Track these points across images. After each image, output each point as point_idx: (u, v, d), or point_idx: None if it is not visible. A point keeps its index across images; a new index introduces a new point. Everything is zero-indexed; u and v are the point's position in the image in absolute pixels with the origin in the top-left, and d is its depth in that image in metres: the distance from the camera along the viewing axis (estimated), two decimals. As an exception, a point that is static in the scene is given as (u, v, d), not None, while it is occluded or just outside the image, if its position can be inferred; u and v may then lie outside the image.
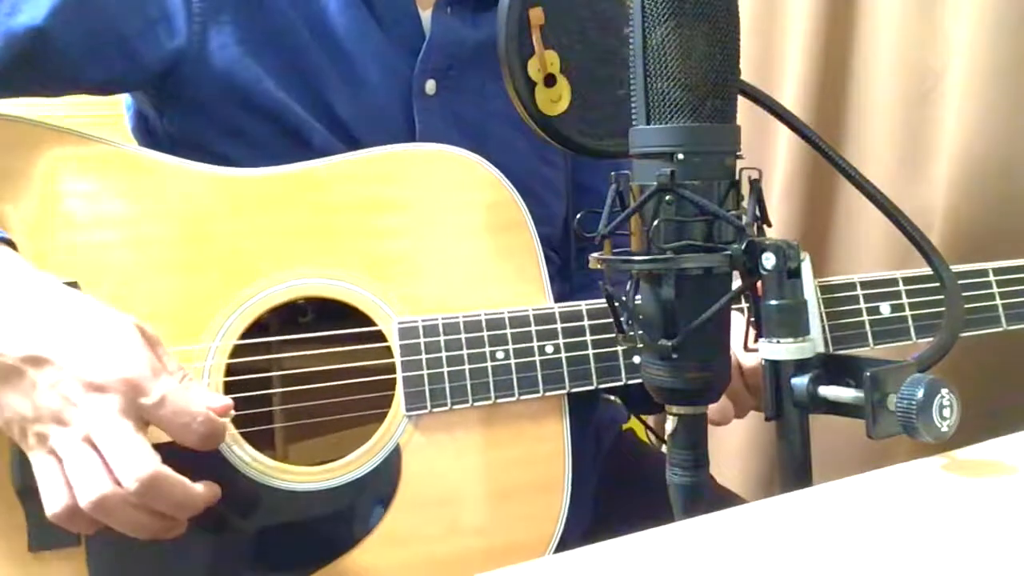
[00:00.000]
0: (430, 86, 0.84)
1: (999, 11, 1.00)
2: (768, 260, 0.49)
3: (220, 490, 0.66)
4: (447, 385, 0.73)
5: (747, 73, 0.53)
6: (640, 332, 0.52)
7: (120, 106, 0.89)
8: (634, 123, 0.51)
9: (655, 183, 0.49)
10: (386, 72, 0.83)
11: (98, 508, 0.59)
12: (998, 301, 0.82)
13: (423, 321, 0.74)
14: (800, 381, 0.49)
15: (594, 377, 0.76)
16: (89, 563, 0.68)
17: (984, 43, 1.01)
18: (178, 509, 0.63)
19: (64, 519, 0.61)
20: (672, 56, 0.49)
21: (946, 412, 0.46)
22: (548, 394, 0.75)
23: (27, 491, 0.67)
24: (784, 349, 0.49)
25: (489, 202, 0.78)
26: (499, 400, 0.74)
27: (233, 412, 0.67)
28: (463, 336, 0.74)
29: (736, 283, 0.52)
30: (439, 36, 0.84)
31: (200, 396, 0.64)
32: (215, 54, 0.77)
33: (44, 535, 0.67)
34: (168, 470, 0.61)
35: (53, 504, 0.60)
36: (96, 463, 0.59)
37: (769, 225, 0.53)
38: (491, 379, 0.74)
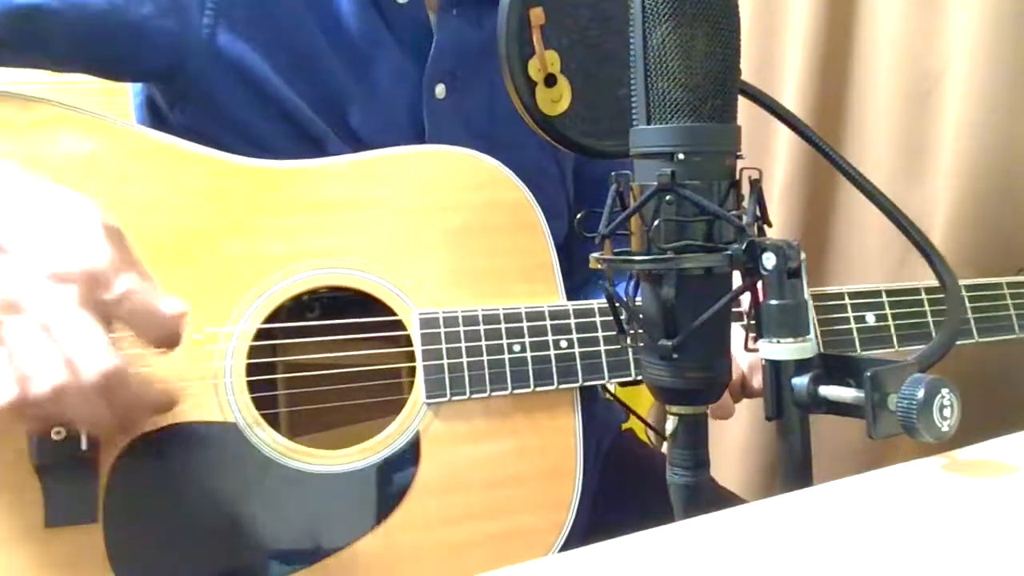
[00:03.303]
0: (440, 90, 0.84)
1: (999, 11, 1.00)
2: (768, 260, 0.49)
3: (179, 398, 0.65)
4: (466, 374, 0.75)
5: (747, 73, 0.52)
6: (640, 332, 0.52)
7: (125, 96, 0.89)
8: (634, 123, 0.51)
9: (655, 183, 0.49)
10: (396, 75, 0.83)
11: (54, 399, 0.57)
12: (1012, 311, 0.89)
13: (443, 312, 0.76)
14: (800, 381, 0.49)
15: (605, 372, 0.78)
16: (106, 539, 0.69)
17: (984, 43, 1.01)
18: (136, 407, 0.62)
19: (15, 413, 0.58)
20: (672, 56, 0.49)
21: (946, 412, 0.46)
22: (562, 387, 0.77)
23: (46, 467, 0.67)
24: (784, 349, 0.49)
25: (505, 203, 0.79)
26: (515, 391, 0.76)
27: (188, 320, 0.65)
28: (482, 328, 0.76)
29: (737, 283, 0.52)
30: (446, 39, 0.84)
31: (158, 293, 0.62)
32: (225, 49, 0.78)
33: (61, 511, 0.68)
34: (129, 366, 0.59)
35: (3, 393, 0.57)
36: (53, 352, 0.57)
37: (769, 225, 0.53)
38: (508, 370, 0.76)
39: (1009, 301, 0.89)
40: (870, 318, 0.85)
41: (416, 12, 0.83)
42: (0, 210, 0.60)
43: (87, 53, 0.77)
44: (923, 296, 0.86)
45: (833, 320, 0.85)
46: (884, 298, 0.86)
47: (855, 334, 0.85)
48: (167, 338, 0.62)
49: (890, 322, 0.85)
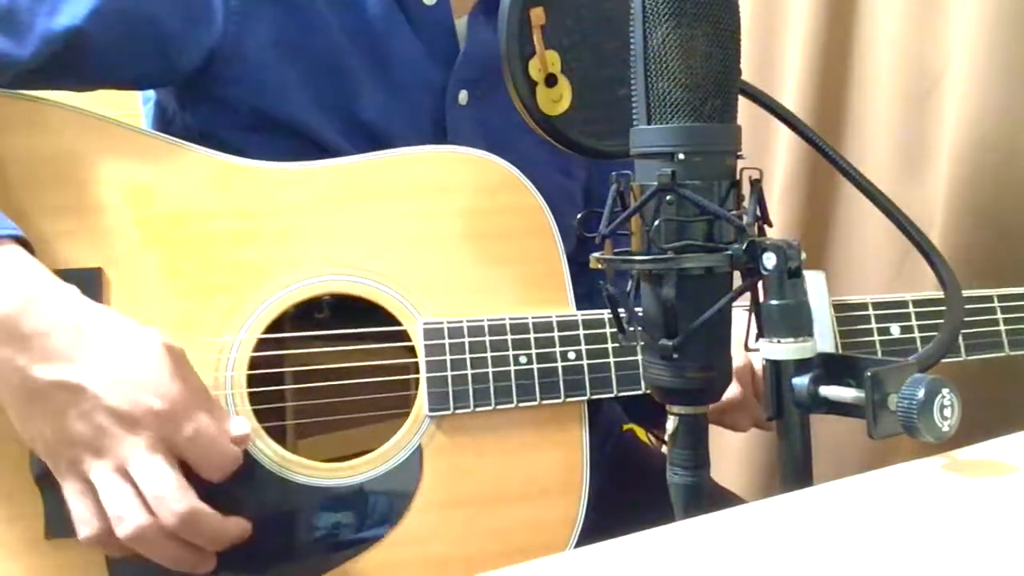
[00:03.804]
0: (463, 96, 0.84)
1: (999, 11, 1.00)
2: (769, 260, 0.49)
3: (250, 527, 0.67)
4: (470, 387, 0.74)
5: (747, 73, 0.53)
6: (641, 332, 0.52)
7: (135, 98, 0.89)
8: (635, 123, 0.52)
9: (656, 183, 0.49)
10: (419, 79, 0.83)
11: (135, 539, 0.61)
12: (1002, 327, 0.84)
13: (448, 323, 0.74)
14: (801, 381, 0.49)
15: (614, 385, 0.76)
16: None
17: (984, 43, 1.01)
18: (211, 543, 0.65)
19: (95, 544, 0.63)
20: (673, 56, 0.49)
21: (947, 412, 0.46)
22: (569, 400, 0.76)
23: (45, 478, 0.67)
24: (785, 349, 0.49)
25: (516, 207, 0.78)
26: (521, 404, 0.75)
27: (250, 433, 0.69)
28: (487, 339, 0.75)
29: (737, 283, 0.52)
30: (474, 47, 0.84)
31: (224, 425, 0.66)
32: (249, 55, 0.77)
33: (61, 522, 0.67)
34: (203, 505, 0.63)
35: (86, 529, 0.62)
36: (132, 496, 0.61)
37: (770, 225, 0.53)
38: (514, 383, 0.75)
39: (1000, 316, 0.84)
40: (895, 329, 0.81)
41: (442, 15, 0.83)
42: (68, 343, 0.62)
43: (118, 73, 0.77)
44: None
45: (855, 331, 0.81)
46: (910, 308, 0.82)
47: (878, 346, 0.81)
48: (229, 470, 0.66)
49: (916, 334, 0.81)
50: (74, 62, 0.72)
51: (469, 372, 0.74)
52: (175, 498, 0.61)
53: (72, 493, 0.63)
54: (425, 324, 0.74)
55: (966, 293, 0.81)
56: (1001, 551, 0.39)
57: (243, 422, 0.68)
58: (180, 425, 0.63)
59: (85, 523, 0.62)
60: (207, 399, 0.66)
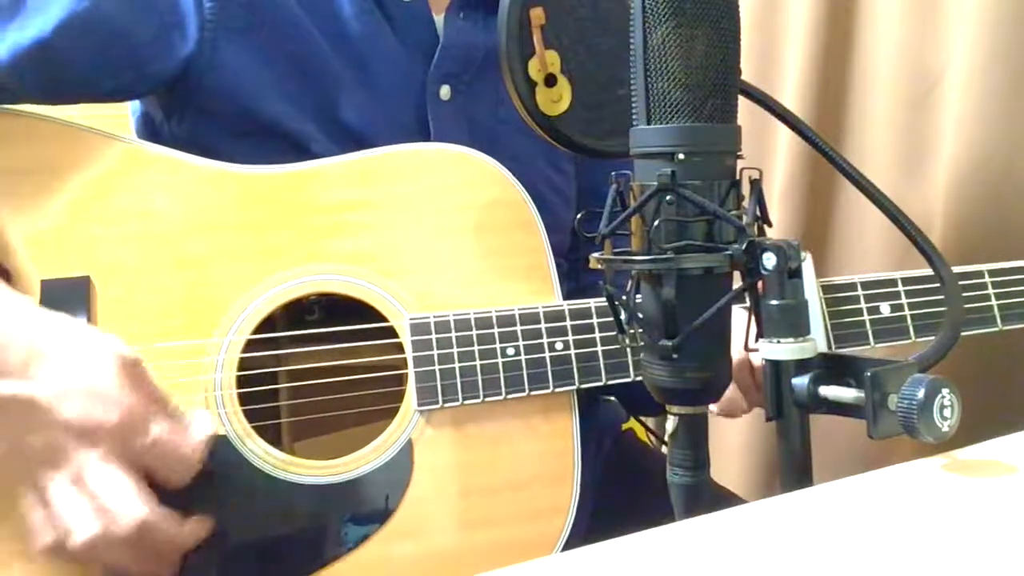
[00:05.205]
0: (444, 91, 0.84)
1: (999, 11, 1.00)
2: (769, 260, 0.49)
3: (211, 526, 0.67)
4: (458, 380, 0.74)
5: (747, 73, 0.53)
6: (641, 332, 0.52)
7: (125, 109, 0.89)
8: (635, 123, 0.52)
9: (656, 183, 0.49)
10: (400, 77, 0.83)
11: (89, 549, 0.61)
12: (994, 302, 0.83)
13: (435, 317, 0.75)
14: (801, 381, 0.49)
15: (603, 373, 0.77)
16: None
17: (984, 43, 1.01)
18: (169, 550, 0.65)
19: (52, 555, 0.63)
20: (673, 56, 0.49)
21: (947, 412, 0.46)
22: (558, 390, 0.76)
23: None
24: (785, 349, 0.49)
25: (499, 201, 0.78)
26: (509, 396, 0.75)
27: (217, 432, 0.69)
28: (474, 332, 0.75)
29: (737, 283, 0.52)
30: (452, 41, 0.84)
31: (184, 431, 0.66)
32: (226, 62, 0.77)
33: None
34: (159, 512, 0.63)
35: (41, 539, 0.62)
36: (87, 506, 0.61)
37: (770, 225, 0.53)
38: (502, 375, 0.75)
39: (992, 291, 0.83)
40: (885, 308, 0.80)
41: (420, 10, 0.83)
42: (24, 355, 0.62)
43: (92, 85, 0.77)
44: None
45: (844, 312, 0.80)
46: (900, 287, 0.80)
47: (868, 326, 0.80)
48: (190, 474, 0.66)
49: (906, 312, 0.80)
50: (47, 75, 0.73)
51: (457, 366, 0.74)
52: (128, 507, 0.62)
53: (29, 505, 0.63)
54: (411, 319, 0.74)
55: (955, 269, 0.82)
56: (1001, 551, 0.39)
57: (205, 418, 0.68)
58: (136, 436, 0.63)
59: (40, 533, 0.63)
60: (164, 407, 0.66)
